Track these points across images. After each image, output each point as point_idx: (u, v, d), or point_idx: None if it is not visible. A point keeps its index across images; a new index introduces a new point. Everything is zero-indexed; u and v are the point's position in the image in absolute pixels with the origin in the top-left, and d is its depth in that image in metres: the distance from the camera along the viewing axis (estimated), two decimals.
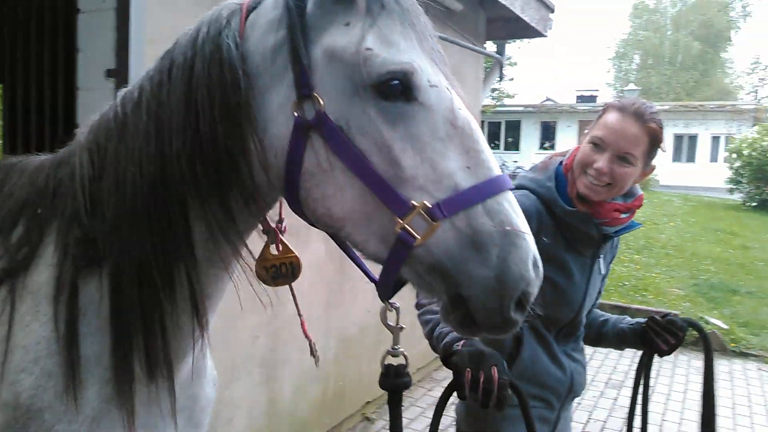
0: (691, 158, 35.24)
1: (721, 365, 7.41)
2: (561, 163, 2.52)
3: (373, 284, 1.52)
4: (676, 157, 35.01)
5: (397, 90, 1.34)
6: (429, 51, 1.41)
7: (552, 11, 7.67)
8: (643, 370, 2.64)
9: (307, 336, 1.83)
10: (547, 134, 38.81)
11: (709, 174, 32.18)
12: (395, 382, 1.61)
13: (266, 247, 1.65)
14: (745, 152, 22.78)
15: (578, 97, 43.81)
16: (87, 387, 1.46)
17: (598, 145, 2.34)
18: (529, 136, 39.22)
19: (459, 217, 1.32)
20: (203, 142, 1.41)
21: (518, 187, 2.52)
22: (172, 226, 1.46)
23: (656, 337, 2.51)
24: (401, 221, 1.32)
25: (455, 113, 1.37)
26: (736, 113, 35.11)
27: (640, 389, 2.66)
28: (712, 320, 8.17)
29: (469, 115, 1.40)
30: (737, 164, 23.29)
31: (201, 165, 1.42)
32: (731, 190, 24.62)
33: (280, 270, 1.69)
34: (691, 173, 32.54)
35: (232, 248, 1.53)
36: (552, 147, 37.64)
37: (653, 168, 2.48)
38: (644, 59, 52.36)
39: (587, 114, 36.06)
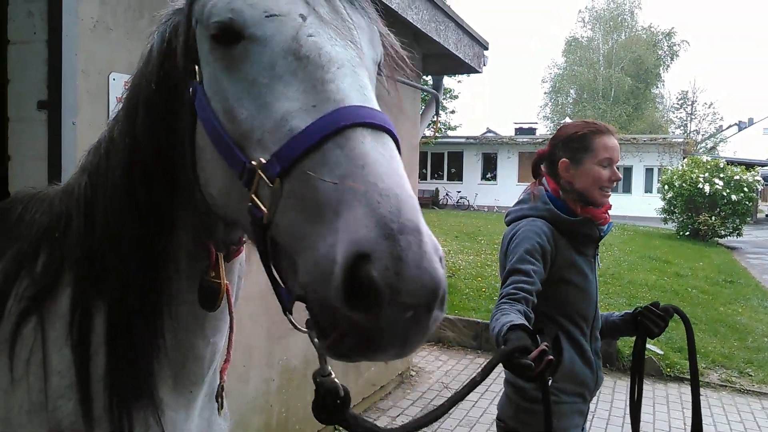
0: (627, 189, 36.32)
1: (657, 390, 7.60)
2: (546, 189, 2.99)
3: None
4: (614, 188, 35.77)
5: (226, 32, 1.17)
6: None
7: (486, 48, 7.88)
8: (640, 355, 3.00)
9: (221, 378, 1.70)
10: (489, 165, 39.49)
11: (644, 204, 33.22)
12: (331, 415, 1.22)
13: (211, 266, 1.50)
14: (677, 183, 23.63)
15: (517, 129, 44.85)
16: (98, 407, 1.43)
17: (607, 164, 2.86)
18: (472, 167, 39.83)
19: (295, 172, 1.03)
20: (140, 146, 1.39)
21: (523, 218, 2.93)
22: (144, 245, 1.42)
23: (650, 323, 2.84)
24: (249, 191, 1.09)
25: (299, 41, 1.12)
26: (667, 146, 36.54)
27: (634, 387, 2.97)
28: (649, 346, 8.35)
29: (324, 41, 1.13)
30: (669, 195, 24.12)
31: (142, 172, 1.39)
32: (665, 220, 25.43)
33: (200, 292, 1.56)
34: (628, 204, 33.52)
35: (193, 267, 1.46)
36: (494, 177, 38.31)
37: None
38: (579, 93, 54.19)
39: (526, 146, 36.93)
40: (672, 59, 54.19)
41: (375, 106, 1.10)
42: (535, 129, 45.76)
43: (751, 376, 8.23)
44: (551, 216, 2.88)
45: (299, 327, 1.09)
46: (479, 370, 1.79)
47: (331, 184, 0.97)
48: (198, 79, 1.24)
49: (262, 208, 1.06)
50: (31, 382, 1.46)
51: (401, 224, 0.92)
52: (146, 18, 3.42)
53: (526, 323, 2.30)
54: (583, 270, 2.93)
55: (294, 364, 5.18)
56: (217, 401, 1.69)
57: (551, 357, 2.02)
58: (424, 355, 8.44)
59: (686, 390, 7.70)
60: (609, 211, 3.00)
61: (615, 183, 2.92)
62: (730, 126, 68.06)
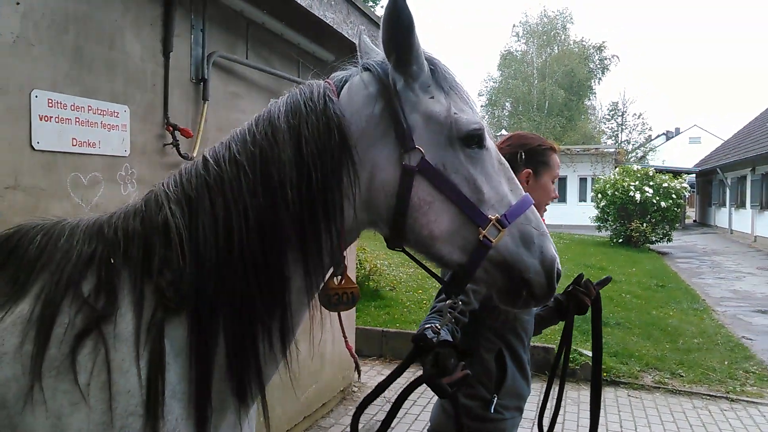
0: (562, 199, 37.12)
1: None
2: None
3: None
4: None
5: (475, 141, 1.86)
6: (476, 112, 1.93)
7: None
8: (569, 334, 3.08)
9: (352, 355, 2.28)
10: None
11: (579, 213, 34.03)
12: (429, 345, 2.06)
13: (330, 278, 1.93)
14: (609, 192, 24.34)
15: None
16: (172, 420, 1.62)
17: (554, 181, 3.12)
18: None
19: (515, 223, 1.85)
20: (314, 192, 1.74)
21: None
22: (272, 269, 1.72)
23: (584, 296, 3.02)
24: (483, 231, 1.81)
25: (498, 154, 1.96)
26: (600, 156, 37.64)
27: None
28: (585, 352, 8.55)
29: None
30: (603, 203, 24.80)
31: (309, 211, 1.74)
32: (599, 228, 26.07)
33: (342, 298, 1.97)
34: (563, 213, 34.29)
35: (317, 287, 1.88)
36: None
37: None
38: (515, 106, 55.26)
39: None
40: (603, 72, 55.91)
41: None
42: None
43: (682, 376, 8.51)
44: None
45: (457, 298, 2.04)
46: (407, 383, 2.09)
47: (533, 230, 1.88)
48: (422, 155, 1.80)
49: (492, 239, 1.81)
50: (93, 405, 1.56)
51: (555, 252, 1.93)
52: (71, 33, 3.33)
53: (454, 340, 2.38)
54: None
55: None
56: (357, 371, 2.54)
57: (465, 373, 2.09)
58: (365, 370, 8.41)
59: (622, 393, 7.91)
60: None
61: (553, 199, 3.17)
62: (658, 136, 70.66)
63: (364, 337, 8.99)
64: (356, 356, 2.24)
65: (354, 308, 2.18)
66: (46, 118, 3.22)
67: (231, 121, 4.73)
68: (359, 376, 2.41)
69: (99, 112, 3.54)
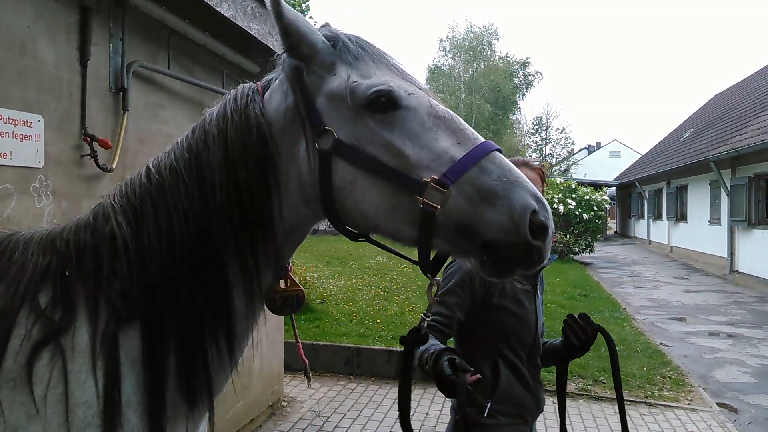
0: None
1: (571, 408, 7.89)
2: None
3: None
4: None
5: (384, 104, 1.73)
6: (401, 74, 1.84)
7: None
8: (562, 372, 3.14)
9: (302, 359, 2.25)
10: None
11: None
12: (415, 338, 1.95)
13: (275, 280, 1.91)
14: None
15: None
16: (128, 430, 1.62)
17: None
18: None
19: (462, 180, 1.65)
20: (241, 192, 1.74)
21: None
22: (214, 273, 1.73)
23: (570, 331, 3.02)
24: (421, 198, 1.65)
25: (435, 108, 1.77)
26: None
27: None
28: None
29: (446, 108, 1.81)
30: None
31: (239, 212, 1.74)
32: None
33: (287, 301, 1.93)
34: None
35: (259, 287, 1.83)
36: None
37: None
38: None
39: None
40: (527, 88, 57.48)
41: None
42: None
43: (604, 383, 8.75)
44: None
45: (433, 279, 1.83)
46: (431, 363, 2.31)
47: (494, 182, 1.64)
48: (335, 135, 1.74)
49: (435, 205, 1.63)
50: (50, 416, 1.56)
51: (540, 196, 1.64)
52: None
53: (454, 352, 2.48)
54: (521, 300, 3.11)
55: None
56: (307, 377, 2.41)
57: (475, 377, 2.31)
58: (295, 384, 8.32)
59: (548, 401, 8.06)
60: None
61: None
62: (580, 150, 73.17)
63: (293, 350, 8.88)
64: (306, 361, 2.23)
65: (283, 319, 2.19)
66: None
67: (153, 131, 4.61)
68: (309, 382, 2.39)
69: (10, 121, 3.38)
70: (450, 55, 56.50)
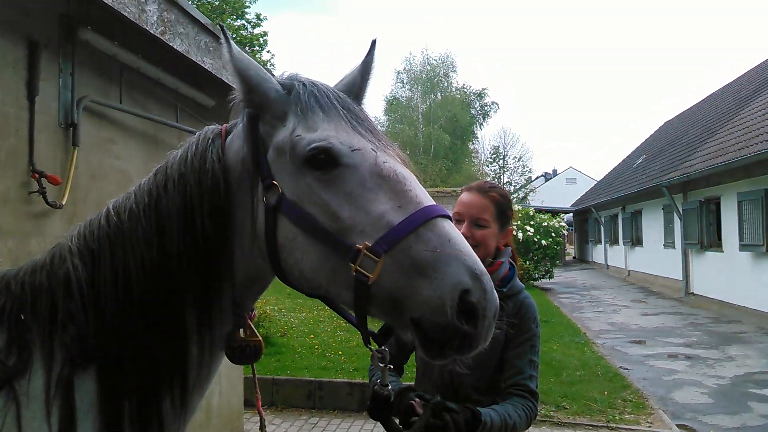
0: None
1: None
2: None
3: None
4: None
5: (323, 161, 1.64)
6: (354, 126, 1.72)
7: None
8: None
9: (259, 411, 2.15)
10: None
11: None
12: (383, 413, 1.96)
13: (235, 329, 1.86)
14: None
15: None
16: None
17: (458, 219, 2.87)
18: None
19: (397, 249, 1.53)
20: (197, 241, 1.70)
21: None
22: (171, 320, 1.69)
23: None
24: (353, 265, 1.54)
25: (380, 166, 1.65)
26: None
27: None
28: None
29: (397, 166, 1.69)
30: None
31: (196, 261, 1.69)
32: None
33: (245, 350, 1.88)
34: None
35: (220, 339, 1.81)
36: None
37: (511, 230, 3.04)
38: (403, 149, 56.32)
39: None
40: (484, 118, 58.37)
41: (434, 203, 1.64)
42: None
43: (566, 408, 8.80)
44: None
45: (377, 354, 1.73)
46: None
47: (429, 253, 1.50)
48: (280, 191, 1.68)
49: (367, 274, 1.52)
50: None
51: (481, 271, 1.49)
52: None
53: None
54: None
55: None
56: (262, 430, 2.10)
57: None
58: (256, 421, 8.15)
59: None
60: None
61: (468, 242, 2.68)
62: (537, 177, 74.34)
63: (252, 385, 8.71)
64: (263, 413, 2.15)
65: (258, 360, 2.03)
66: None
67: (105, 167, 4.53)
68: None
69: None
70: (407, 87, 57.18)
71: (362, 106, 1.93)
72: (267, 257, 1.72)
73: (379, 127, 1.89)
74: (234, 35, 31.44)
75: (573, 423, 8.30)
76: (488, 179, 60.67)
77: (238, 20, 34.21)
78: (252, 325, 1.90)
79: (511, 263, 2.99)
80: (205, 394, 1.89)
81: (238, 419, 7.18)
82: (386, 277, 1.53)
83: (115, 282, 1.66)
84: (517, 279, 2.96)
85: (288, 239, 1.67)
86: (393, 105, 56.99)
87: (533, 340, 2.80)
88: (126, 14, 4.03)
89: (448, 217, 1.62)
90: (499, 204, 2.92)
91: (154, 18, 4.33)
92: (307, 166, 1.66)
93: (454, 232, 1.58)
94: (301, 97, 1.75)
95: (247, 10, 34.89)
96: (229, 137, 1.84)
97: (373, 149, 1.69)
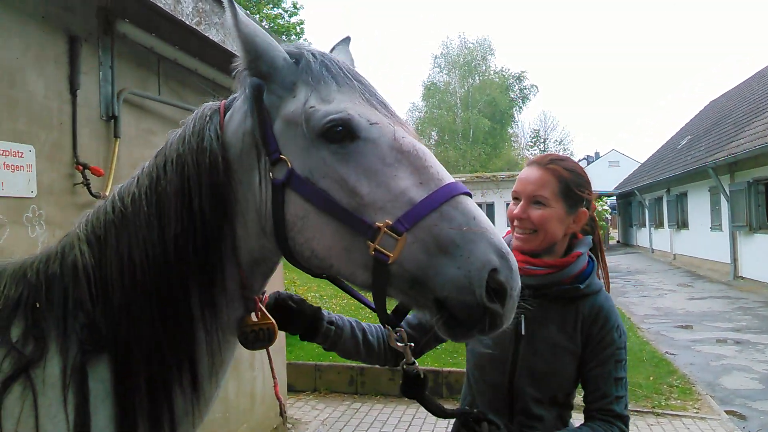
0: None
1: None
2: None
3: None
4: None
5: (340, 134, 1.56)
6: (369, 99, 1.65)
7: None
8: None
9: (278, 397, 2.07)
10: None
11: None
12: (416, 390, 1.90)
13: (246, 313, 1.81)
14: None
15: None
16: None
17: (515, 198, 2.49)
18: None
19: (419, 227, 1.48)
20: (196, 222, 1.63)
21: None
22: (176, 305, 1.64)
23: None
24: (372, 243, 1.49)
25: (399, 141, 1.58)
26: None
27: None
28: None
29: (415, 141, 1.62)
30: None
31: (195, 243, 1.63)
32: None
33: (258, 335, 1.82)
34: None
35: (229, 324, 1.76)
36: None
37: (584, 213, 2.50)
38: (441, 135, 56.30)
39: None
40: (524, 101, 57.73)
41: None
42: None
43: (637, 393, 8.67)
44: None
45: (394, 335, 1.74)
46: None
47: (455, 231, 1.46)
48: (289, 165, 1.60)
49: (388, 253, 1.47)
50: None
51: (506, 250, 1.47)
52: None
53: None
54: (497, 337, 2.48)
55: None
56: (282, 417, 2.07)
57: None
58: (300, 406, 8.26)
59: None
60: (542, 267, 2.40)
61: (525, 224, 2.42)
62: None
63: (296, 372, 8.83)
64: (282, 399, 2.06)
65: (273, 343, 1.96)
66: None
67: (145, 157, 4.51)
68: (284, 421, 2.11)
69: (1, 152, 3.39)
70: (445, 72, 56.84)
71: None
72: (273, 236, 1.66)
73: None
74: (271, 24, 31.64)
75: (642, 411, 8.18)
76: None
77: (275, 9, 34.35)
78: (263, 308, 1.84)
79: (590, 256, 2.55)
80: (222, 383, 1.85)
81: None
82: (408, 256, 1.48)
83: (121, 267, 1.64)
84: (596, 276, 2.52)
85: (298, 216, 1.60)
86: (431, 90, 56.76)
87: (619, 353, 2.38)
88: (162, 6, 4.08)
89: (468, 194, 1.56)
90: (564, 179, 2.42)
91: (189, 9, 4.37)
92: (322, 139, 1.59)
93: (478, 211, 1.52)
94: (312, 67, 1.67)
95: None
96: (228, 113, 1.75)
97: (390, 123, 1.62)
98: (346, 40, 2.04)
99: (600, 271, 2.60)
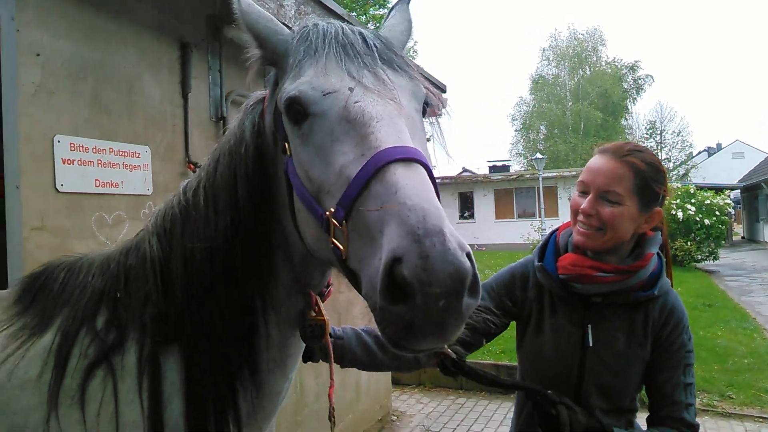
0: None
1: None
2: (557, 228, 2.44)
3: None
4: None
5: (299, 113, 1.43)
6: (343, 63, 1.45)
7: (444, 91, 7.99)
8: None
9: (330, 399, 1.88)
10: (466, 204, 39.43)
11: None
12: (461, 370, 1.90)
13: (306, 308, 1.77)
14: None
15: (491, 167, 44.75)
16: None
17: (583, 190, 2.21)
18: (449, 206, 39.70)
19: (353, 212, 1.26)
20: (240, 214, 1.62)
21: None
22: (234, 298, 1.64)
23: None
24: (329, 236, 1.33)
25: (349, 108, 1.36)
26: None
27: None
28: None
29: (370, 104, 1.36)
30: None
31: (240, 236, 1.62)
32: None
33: (313, 330, 1.76)
34: None
35: (286, 315, 1.73)
36: (472, 216, 38.31)
37: (658, 213, 2.24)
38: (550, 129, 54.87)
39: (501, 183, 37.15)
40: (638, 92, 55.33)
41: (408, 143, 1.30)
42: (508, 166, 46.04)
43: (732, 398, 8.20)
44: (531, 258, 2.45)
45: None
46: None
47: (375, 212, 1.20)
48: (288, 154, 1.51)
49: (340, 246, 1.28)
50: None
51: (426, 229, 1.11)
52: (90, 80, 3.46)
53: None
54: (547, 336, 2.32)
55: None
56: (331, 421, 1.87)
57: None
58: (404, 399, 8.34)
59: (725, 424, 7.64)
60: (613, 273, 2.19)
61: (591, 221, 2.16)
62: (699, 152, 69.34)
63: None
64: (333, 404, 1.86)
65: (322, 341, 1.75)
66: (68, 162, 3.34)
67: None
68: (332, 426, 1.85)
69: (120, 153, 3.65)
70: (553, 64, 55.38)
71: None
72: (294, 228, 1.59)
73: (408, 62, 1.58)
74: (377, 24, 31.97)
75: (740, 414, 7.71)
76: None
77: (381, 9, 34.70)
78: (319, 303, 1.76)
79: (659, 255, 2.30)
80: (290, 377, 1.85)
81: (386, 397, 7.38)
82: (352, 250, 1.27)
83: (184, 260, 1.66)
84: (665, 275, 2.31)
85: (297, 209, 1.53)
86: (539, 84, 55.48)
87: (688, 357, 2.23)
88: (266, 10, 4.24)
89: (412, 160, 1.27)
90: (641, 174, 2.14)
91: (292, 12, 4.52)
92: (292, 122, 1.46)
93: (404, 180, 1.22)
94: (295, 44, 1.54)
95: None
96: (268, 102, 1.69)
97: (350, 87, 1.40)
98: (405, 1, 1.91)
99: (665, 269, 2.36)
